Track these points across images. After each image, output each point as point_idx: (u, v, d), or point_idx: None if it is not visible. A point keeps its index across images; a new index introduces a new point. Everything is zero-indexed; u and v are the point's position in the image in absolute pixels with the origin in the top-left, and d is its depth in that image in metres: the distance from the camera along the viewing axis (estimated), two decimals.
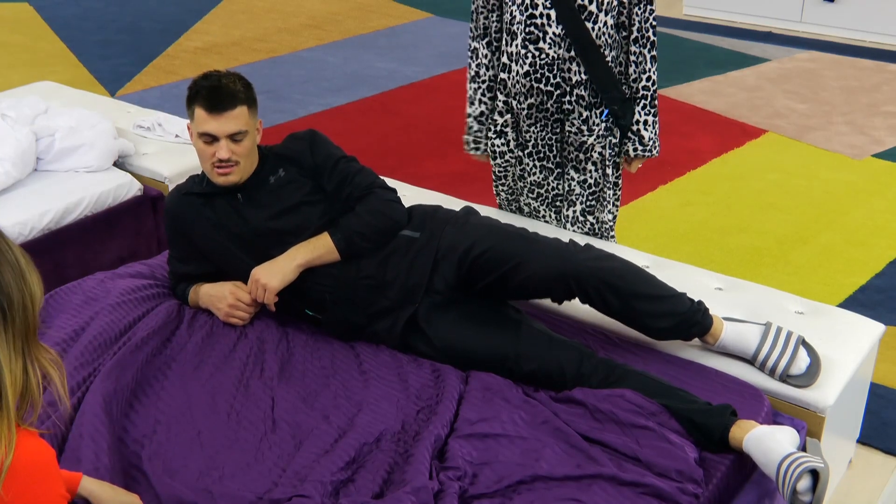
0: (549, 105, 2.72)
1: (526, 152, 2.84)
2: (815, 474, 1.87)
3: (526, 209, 2.98)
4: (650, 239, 3.78)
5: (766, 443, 1.96)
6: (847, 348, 2.34)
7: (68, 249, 3.11)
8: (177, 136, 3.56)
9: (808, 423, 2.17)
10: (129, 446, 2.01)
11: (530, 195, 2.93)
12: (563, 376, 2.18)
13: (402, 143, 4.77)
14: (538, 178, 2.87)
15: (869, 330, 2.43)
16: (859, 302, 3.36)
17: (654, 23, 2.70)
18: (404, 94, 5.47)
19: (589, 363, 2.19)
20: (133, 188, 3.29)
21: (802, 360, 2.24)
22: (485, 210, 2.75)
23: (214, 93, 2.34)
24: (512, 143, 2.85)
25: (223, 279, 2.46)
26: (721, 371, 2.25)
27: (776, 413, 2.18)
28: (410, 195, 3.19)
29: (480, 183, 4.19)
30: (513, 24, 2.68)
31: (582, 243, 2.37)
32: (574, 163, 2.80)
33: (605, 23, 2.63)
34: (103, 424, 1.97)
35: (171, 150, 3.50)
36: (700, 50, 6.19)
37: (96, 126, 3.36)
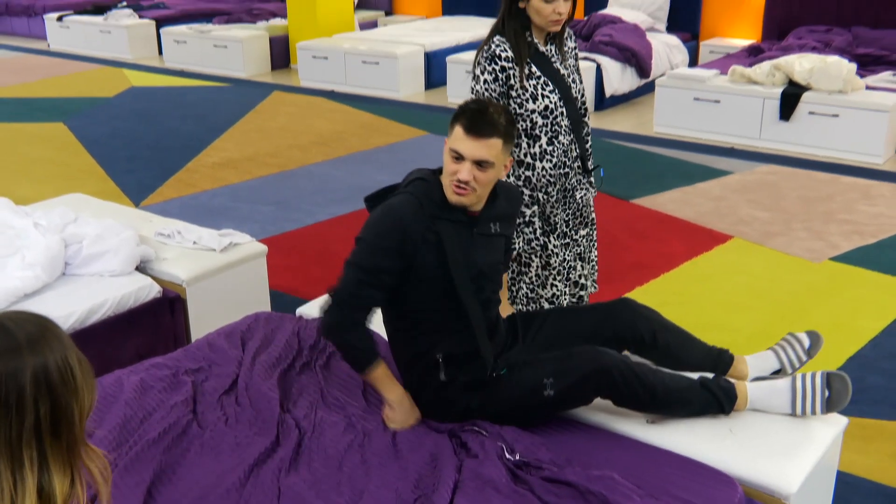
0: (566, 184, 2.95)
1: (554, 234, 2.96)
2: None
3: (547, 301, 3.03)
4: None
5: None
6: (812, 439, 2.31)
7: (91, 347, 3.09)
8: (194, 242, 3.58)
9: None
10: None
11: (557, 278, 2.98)
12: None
13: None
14: (561, 257, 2.99)
15: (832, 423, 2.40)
16: None
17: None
18: None
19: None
20: (153, 291, 3.29)
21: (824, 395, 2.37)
22: None
23: (477, 117, 2.27)
24: (538, 231, 2.95)
25: (399, 301, 2.35)
26: (692, 459, 2.22)
27: (748, 500, 2.14)
28: None
29: None
30: (535, 129, 2.87)
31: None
32: (583, 220, 3.02)
33: (583, 102, 3.03)
34: None
35: (188, 255, 3.51)
36: (670, 164, 6.29)
37: (121, 234, 3.38)
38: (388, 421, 2.37)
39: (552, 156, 2.87)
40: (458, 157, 2.27)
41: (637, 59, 7.88)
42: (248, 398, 2.46)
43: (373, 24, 10.76)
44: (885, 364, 3.55)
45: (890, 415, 3.20)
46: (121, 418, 2.30)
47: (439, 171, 2.39)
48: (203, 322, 3.40)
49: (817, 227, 5.03)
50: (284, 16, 10.44)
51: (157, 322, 3.30)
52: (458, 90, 8.28)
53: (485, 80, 2.86)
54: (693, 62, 8.83)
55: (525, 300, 3.05)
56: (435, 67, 8.88)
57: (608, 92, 7.77)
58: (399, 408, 2.36)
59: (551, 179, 2.89)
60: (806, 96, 6.45)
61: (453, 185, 2.29)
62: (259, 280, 3.67)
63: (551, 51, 2.92)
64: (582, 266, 3.12)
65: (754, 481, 2.17)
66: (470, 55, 8.25)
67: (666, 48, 8.40)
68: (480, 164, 2.26)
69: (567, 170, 2.93)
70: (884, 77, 6.72)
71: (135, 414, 2.33)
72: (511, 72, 2.83)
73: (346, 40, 9.15)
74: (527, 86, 2.84)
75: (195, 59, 10.01)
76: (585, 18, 8.66)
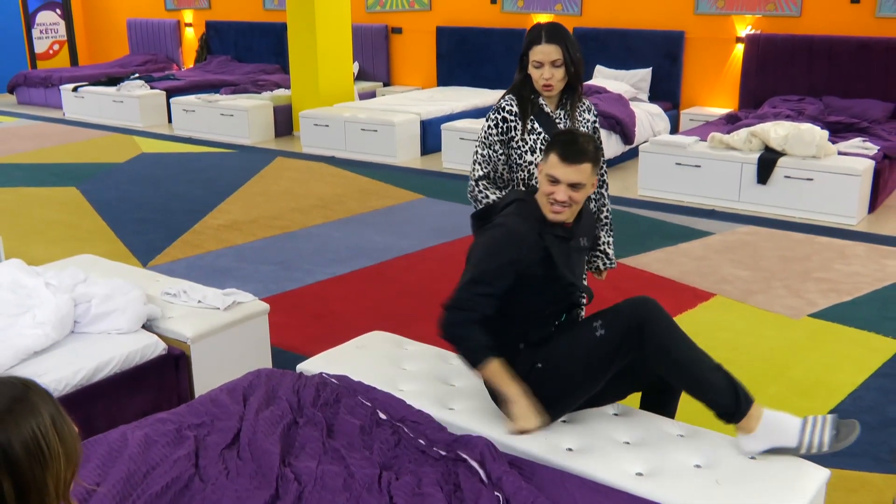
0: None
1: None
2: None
3: None
4: None
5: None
6: (796, 491, 2.28)
7: (98, 403, 3.06)
8: (199, 301, 3.57)
9: None
10: None
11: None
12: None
13: (399, 307, 4.79)
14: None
15: (815, 475, 2.38)
16: None
17: (605, 168, 3.19)
18: (399, 264, 5.53)
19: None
20: (158, 348, 3.27)
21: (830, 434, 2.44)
22: None
23: (570, 145, 2.53)
24: None
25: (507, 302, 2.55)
26: (661, 503, 2.19)
27: None
28: (413, 350, 3.21)
29: None
30: (531, 180, 2.99)
31: None
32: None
33: None
34: None
35: (193, 313, 3.50)
36: (654, 225, 6.33)
37: (128, 293, 3.37)
38: (512, 419, 2.55)
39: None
40: (554, 181, 2.53)
41: (622, 126, 7.99)
42: (250, 452, 2.43)
43: (371, 95, 10.90)
44: (864, 417, 3.53)
45: (871, 467, 3.17)
46: (124, 473, 2.26)
47: (533, 191, 2.68)
48: (207, 378, 3.37)
49: (796, 286, 5.04)
50: (288, 87, 10.58)
51: (162, 378, 3.27)
52: (452, 156, 8.36)
53: (487, 126, 3.03)
54: (674, 129, 8.94)
55: None
56: (430, 134, 8.97)
57: None
58: (519, 402, 2.53)
59: None
60: (781, 161, 6.52)
61: (550, 205, 2.55)
62: (261, 337, 3.66)
63: (560, 115, 3.05)
64: None
65: None
66: (463, 123, 8.36)
67: (648, 116, 8.52)
68: (574, 186, 2.52)
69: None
70: (854, 143, 6.80)
71: (138, 468, 2.29)
72: (512, 124, 2.99)
73: (346, 109, 9.26)
74: (527, 139, 2.98)
75: (203, 127, 10.11)
76: None
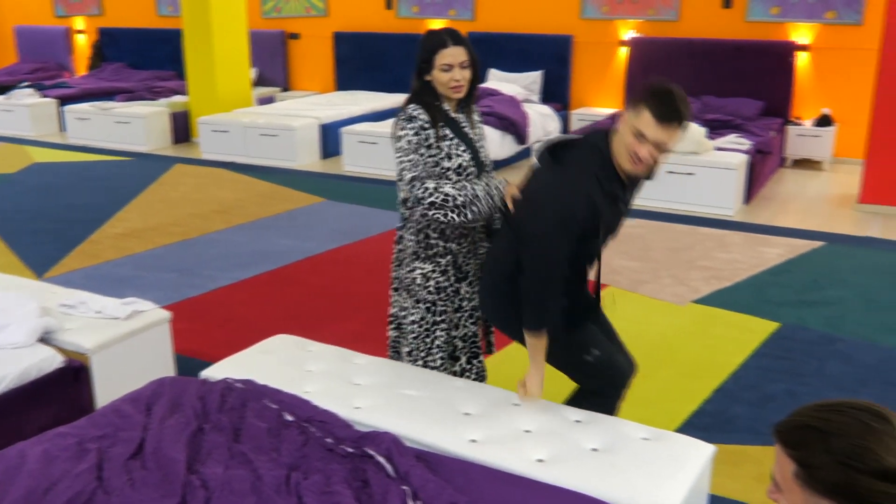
0: (475, 236, 3.00)
1: (466, 282, 3.00)
2: None
3: (461, 339, 3.07)
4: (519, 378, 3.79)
5: None
6: (685, 466, 2.37)
7: None
8: (98, 311, 3.45)
9: None
10: None
11: (469, 320, 3.05)
12: None
13: (305, 309, 4.73)
14: (472, 301, 3.02)
15: (702, 451, 2.47)
16: (694, 425, 3.43)
17: None
18: (303, 267, 5.47)
19: None
20: (55, 361, 3.13)
21: None
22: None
23: (668, 106, 2.34)
24: (452, 279, 2.97)
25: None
26: (580, 493, 2.23)
27: None
28: (317, 351, 3.17)
29: (375, 342, 4.17)
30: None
31: None
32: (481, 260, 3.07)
33: (489, 164, 3.09)
34: None
35: (92, 324, 3.37)
36: None
37: (23, 306, 3.23)
38: (526, 385, 2.68)
39: None
40: (641, 137, 2.37)
41: (515, 127, 8.11)
42: (155, 461, 2.35)
43: (270, 100, 10.73)
44: (746, 395, 3.69)
45: (753, 441, 3.32)
46: (24, 490, 2.16)
47: (607, 135, 2.52)
48: (109, 390, 3.25)
49: (681, 274, 5.23)
50: (185, 93, 10.30)
51: (61, 392, 3.14)
52: (352, 159, 8.31)
53: (408, 139, 2.84)
54: (565, 129, 9.14)
55: (444, 346, 3.02)
56: (330, 138, 8.90)
57: (490, 157, 7.92)
58: (537, 377, 2.67)
59: (464, 231, 2.93)
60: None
61: (632, 159, 2.42)
62: (163, 346, 3.55)
63: (461, 118, 2.98)
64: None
65: None
66: (362, 127, 8.32)
67: (540, 117, 8.67)
68: (659, 146, 2.38)
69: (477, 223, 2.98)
70: (730, 139, 7.11)
71: (38, 485, 2.19)
72: (428, 132, 2.86)
73: (245, 115, 9.08)
74: (442, 146, 2.88)
75: (98, 136, 9.74)
76: None
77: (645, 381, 3.82)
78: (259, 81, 11.17)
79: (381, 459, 2.34)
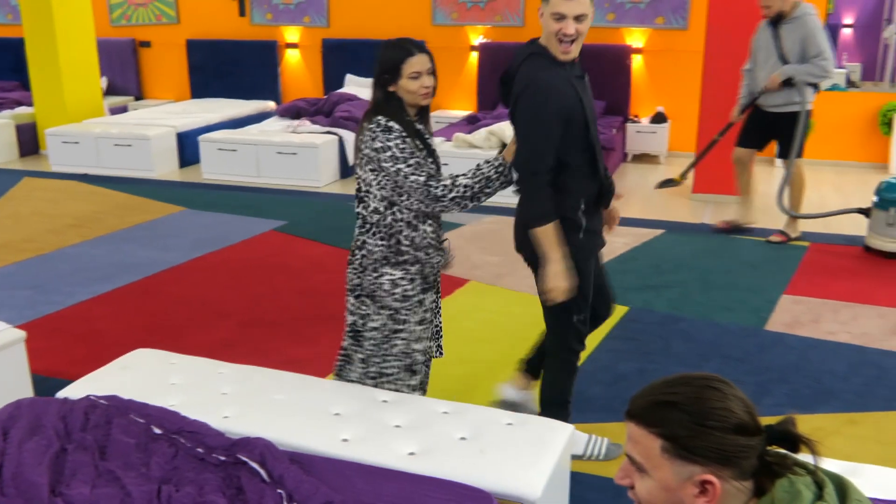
0: (440, 244, 2.95)
1: (432, 291, 2.93)
2: None
3: (420, 353, 2.94)
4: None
5: None
6: (547, 448, 2.45)
7: None
8: None
9: None
10: None
11: (426, 333, 2.95)
12: None
13: (169, 320, 4.56)
14: (434, 312, 2.97)
15: (562, 430, 2.57)
16: None
17: None
18: (165, 277, 5.27)
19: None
20: None
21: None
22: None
23: None
24: (418, 288, 2.86)
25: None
26: (451, 480, 2.27)
27: None
28: (180, 363, 3.06)
29: (244, 347, 4.08)
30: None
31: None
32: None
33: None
34: None
35: None
36: None
37: None
38: (548, 278, 2.75)
39: (434, 219, 2.87)
40: (560, 17, 2.64)
41: None
42: (15, 487, 2.21)
43: (123, 109, 10.26)
44: (600, 376, 3.85)
45: (608, 417, 3.47)
46: None
47: (536, 41, 2.77)
48: None
49: None
50: (30, 104, 9.68)
51: None
52: (211, 167, 8.07)
53: (398, 147, 2.71)
54: None
55: (401, 356, 2.91)
56: (187, 147, 8.61)
57: (350, 161, 7.91)
58: (558, 263, 2.73)
59: (432, 241, 2.86)
60: None
61: (560, 43, 2.67)
62: (19, 366, 3.34)
63: (423, 128, 2.87)
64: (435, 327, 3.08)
65: (505, 492, 2.27)
66: (220, 134, 8.09)
67: None
68: (578, 17, 2.64)
69: (441, 231, 2.93)
70: None
71: None
72: (407, 140, 2.74)
73: (97, 125, 8.64)
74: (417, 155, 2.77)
75: None
76: (325, 97, 8.79)
77: (507, 369, 3.93)
78: (110, 90, 10.65)
79: (255, 465, 2.29)
